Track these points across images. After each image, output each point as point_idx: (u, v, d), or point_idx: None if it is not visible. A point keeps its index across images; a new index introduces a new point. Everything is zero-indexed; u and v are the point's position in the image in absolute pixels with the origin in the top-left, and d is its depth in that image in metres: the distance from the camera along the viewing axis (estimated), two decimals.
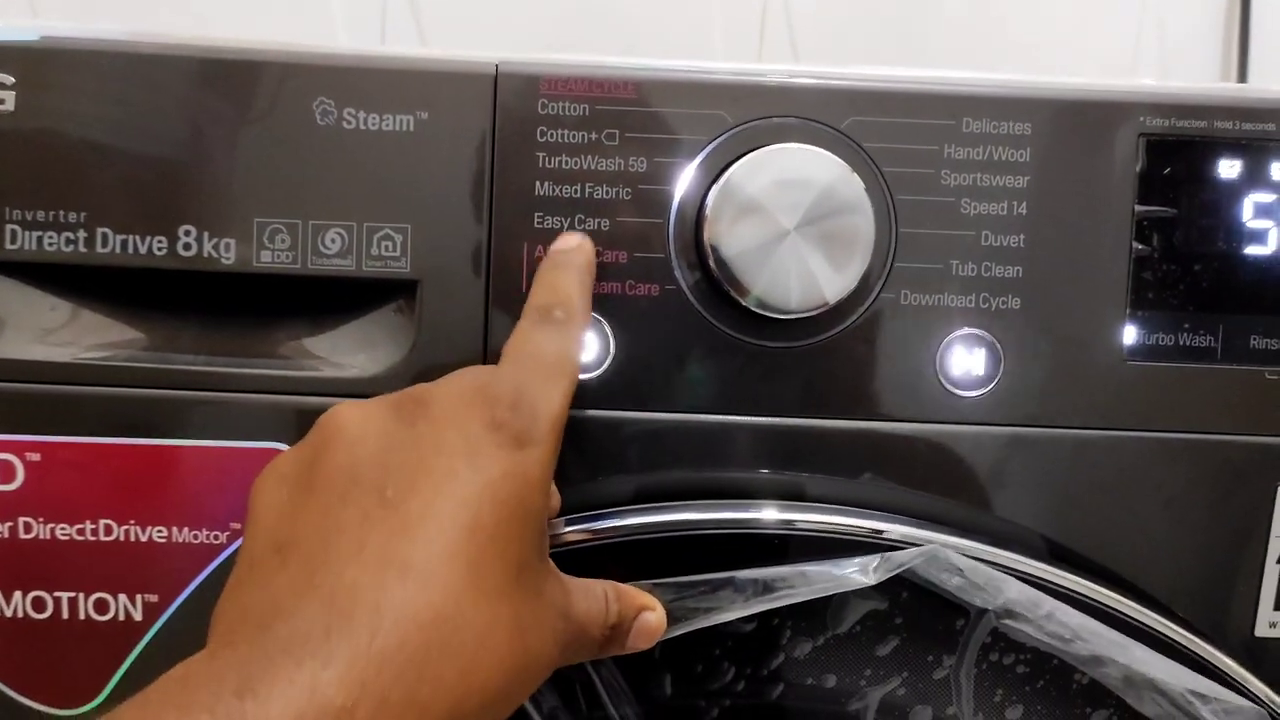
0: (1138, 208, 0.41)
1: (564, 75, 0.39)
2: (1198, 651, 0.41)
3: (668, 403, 0.40)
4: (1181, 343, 0.41)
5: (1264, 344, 0.41)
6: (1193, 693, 0.39)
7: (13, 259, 0.39)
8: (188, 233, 0.39)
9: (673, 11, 0.75)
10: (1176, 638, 0.40)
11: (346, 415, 0.31)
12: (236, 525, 0.40)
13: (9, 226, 0.39)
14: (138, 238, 0.39)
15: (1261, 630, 0.42)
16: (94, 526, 0.39)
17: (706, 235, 0.39)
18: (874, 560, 0.39)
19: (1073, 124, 0.40)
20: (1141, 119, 0.40)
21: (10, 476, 0.39)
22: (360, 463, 0.30)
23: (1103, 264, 0.41)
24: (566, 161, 0.39)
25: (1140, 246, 0.41)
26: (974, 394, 0.41)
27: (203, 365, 0.40)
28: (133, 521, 0.39)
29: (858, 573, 0.38)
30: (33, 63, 0.38)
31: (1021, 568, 0.40)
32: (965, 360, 0.41)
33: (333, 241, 0.39)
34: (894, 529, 0.40)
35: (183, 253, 0.39)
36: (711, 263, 0.39)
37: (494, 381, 0.32)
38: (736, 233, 0.38)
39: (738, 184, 0.38)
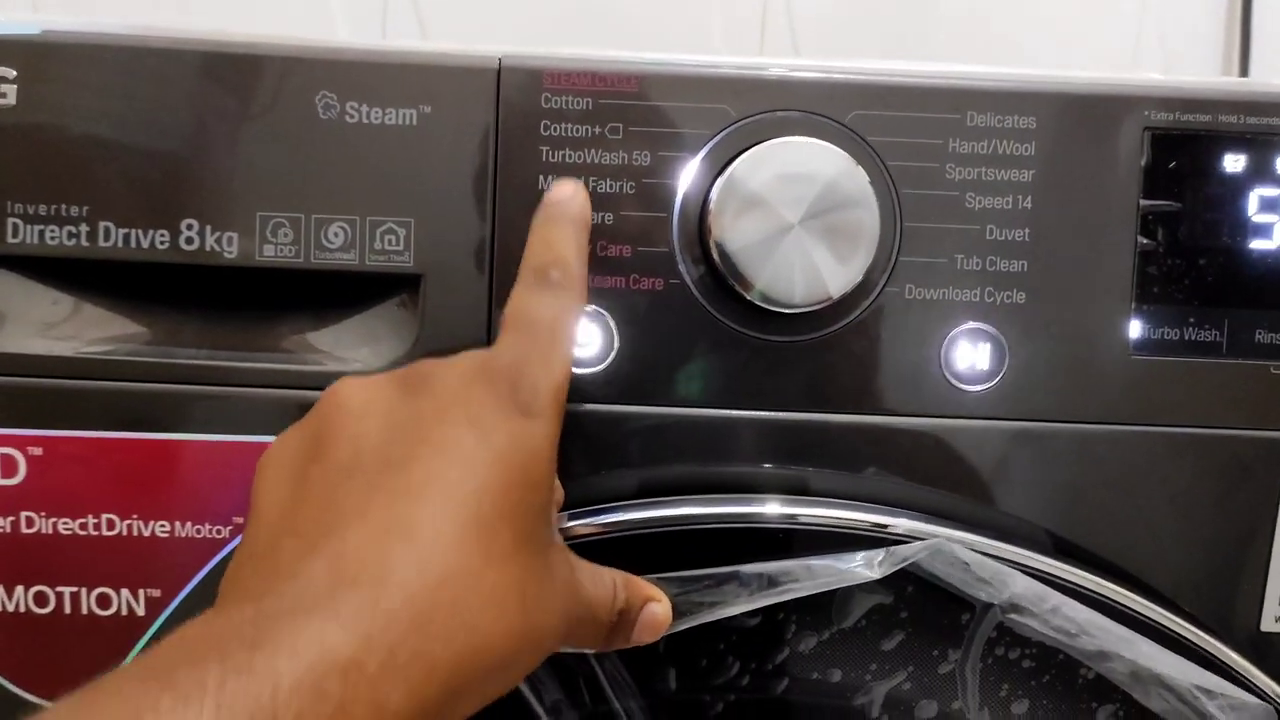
0: (1143, 202, 0.40)
1: (567, 69, 0.39)
2: (1203, 646, 0.40)
3: (671, 397, 0.40)
4: (1187, 337, 0.41)
5: (1269, 338, 0.41)
6: (1199, 688, 0.39)
7: (14, 253, 0.39)
8: (190, 226, 0.39)
9: (673, 10, 0.75)
10: (1182, 632, 0.40)
11: (350, 389, 0.31)
12: (239, 520, 0.40)
13: (11, 220, 0.39)
14: (140, 231, 0.39)
15: (1267, 625, 0.42)
16: (96, 521, 0.39)
17: (710, 229, 0.39)
18: (879, 554, 0.39)
19: (1078, 118, 0.40)
20: (1147, 113, 0.40)
21: (12, 471, 0.39)
22: (364, 434, 0.30)
23: (1108, 258, 0.41)
24: (570, 155, 0.39)
25: (1145, 241, 0.41)
26: (978, 389, 0.41)
27: (205, 359, 0.40)
28: (135, 516, 0.39)
29: (863, 567, 0.38)
30: (34, 57, 0.38)
31: (1027, 562, 0.40)
32: (970, 355, 0.40)
33: (336, 235, 0.39)
34: (898, 523, 0.40)
35: (185, 247, 0.39)
36: (715, 257, 0.39)
37: (494, 356, 0.32)
38: (740, 227, 0.38)
39: (741, 178, 0.38)
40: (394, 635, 0.25)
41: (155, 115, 0.39)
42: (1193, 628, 0.41)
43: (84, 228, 0.39)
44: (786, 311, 0.39)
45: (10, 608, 0.40)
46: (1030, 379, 0.41)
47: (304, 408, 0.39)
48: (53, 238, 0.39)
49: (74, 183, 0.39)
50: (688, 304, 0.40)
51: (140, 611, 0.40)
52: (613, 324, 0.40)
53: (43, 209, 0.39)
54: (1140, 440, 0.41)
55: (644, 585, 0.36)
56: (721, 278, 0.39)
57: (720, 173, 0.39)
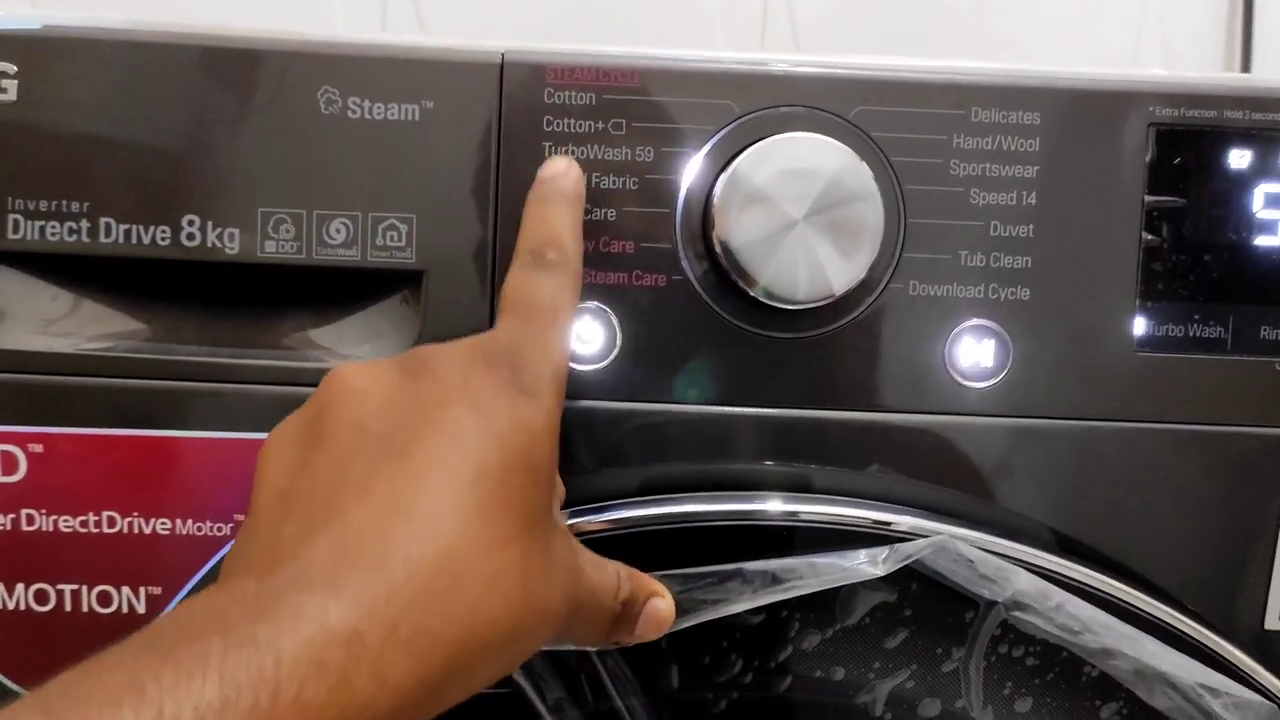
0: (1147, 198, 0.40)
1: (570, 64, 0.39)
2: (1207, 644, 0.40)
3: (674, 394, 0.40)
4: (1191, 334, 0.41)
5: (1274, 335, 0.41)
6: (1203, 686, 0.39)
7: (14, 249, 0.39)
8: (191, 223, 0.39)
9: (674, 9, 0.75)
10: (1186, 630, 0.40)
11: (351, 373, 0.31)
12: (240, 517, 0.39)
13: (11, 216, 0.38)
14: (141, 228, 0.39)
15: (1271, 623, 0.42)
16: (97, 518, 0.39)
17: (714, 225, 0.38)
18: (883, 552, 0.38)
19: (1082, 114, 0.40)
20: (1151, 109, 0.40)
21: (13, 468, 0.39)
22: (366, 418, 0.30)
23: (1112, 254, 0.40)
24: (573, 151, 0.39)
25: (1150, 237, 0.40)
26: (982, 385, 0.40)
27: (206, 356, 0.39)
28: (136, 513, 0.39)
29: (866, 564, 0.38)
30: (35, 52, 0.38)
31: (1031, 559, 0.39)
32: (974, 351, 0.40)
33: (338, 231, 0.39)
34: (902, 520, 0.39)
35: (186, 243, 0.39)
36: (719, 253, 0.38)
37: (493, 338, 0.33)
38: (744, 222, 0.38)
39: (745, 173, 0.38)
40: (396, 609, 0.26)
41: (156, 111, 0.39)
42: (1197, 625, 0.40)
43: (84, 224, 0.38)
44: (790, 308, 0.39)
45: (11, 605, 0.39)
46: (1034, 376, 0.40)
47: None
48: (53, 234, 0.38)
49: (74, 179, 0.38)
50: (691, 300, 0.40)
51: (141, 609, 0.40)
52: (615, 320, 0.40)
53: (43, 205, 0.38)
54: (1144, 437, 0.41)
55: (648, 580, 0.36)
56: (725, 274, 0.39)
57: (724, 168, 0.39)
